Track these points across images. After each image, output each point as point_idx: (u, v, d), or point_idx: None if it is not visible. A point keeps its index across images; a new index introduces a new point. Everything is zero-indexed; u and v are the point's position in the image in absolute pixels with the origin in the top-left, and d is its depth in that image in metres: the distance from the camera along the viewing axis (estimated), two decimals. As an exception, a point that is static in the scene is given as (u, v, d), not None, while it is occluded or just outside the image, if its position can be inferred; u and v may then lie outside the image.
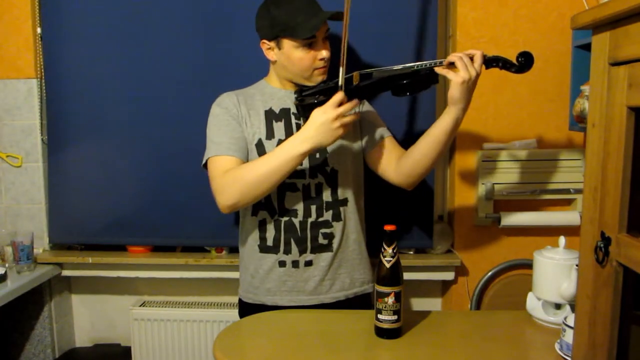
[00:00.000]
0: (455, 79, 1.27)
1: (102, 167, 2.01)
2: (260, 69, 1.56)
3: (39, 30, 2.03)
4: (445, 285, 2.11)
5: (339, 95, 1.32)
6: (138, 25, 1.94)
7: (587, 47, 1.65)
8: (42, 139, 2.08)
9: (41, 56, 2.04)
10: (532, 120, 1.94)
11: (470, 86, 1.28)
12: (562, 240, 1.39)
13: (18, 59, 2.04)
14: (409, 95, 1.39)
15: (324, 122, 1.30)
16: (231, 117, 1.46)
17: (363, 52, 1.83)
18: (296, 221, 1.48)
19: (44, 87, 2.05)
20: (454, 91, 1.28)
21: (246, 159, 1.45)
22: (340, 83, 1.34)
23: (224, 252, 2.06)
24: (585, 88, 1.63)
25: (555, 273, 1.34)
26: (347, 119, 1.31)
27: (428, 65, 1.34)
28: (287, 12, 1.37)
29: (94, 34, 1.96)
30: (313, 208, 1.48)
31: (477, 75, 1.28)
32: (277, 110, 1.50)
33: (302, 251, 1.49)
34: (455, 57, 1.28)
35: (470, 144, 1.95)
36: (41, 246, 2.12)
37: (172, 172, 1.97)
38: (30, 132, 2.08)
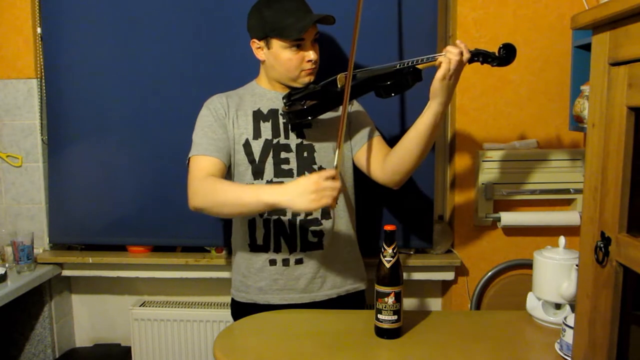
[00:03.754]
0: (437, 74, 1.26)
1: (102, 167, 2.01)
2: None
3: (39, 30, 2.03)
4: (445, 285, 2.11)
5: (331, 171, 1.25)
6: (138, 25, 1.94)
7: (587, 47, 1.65)
8: (42, 139, 2.08)
9: (41, 56, 2.04)
10: (532, 120, 1.94)
11: (451, 82, 1.27)
12: (562, 240, 1.39)
13: (18, 59, 2.04)
14: (393, 96, 1.38)
15: (304, 185, 1.23)
16: (215, 119, 1.47)
17: (362, 52, 1.82)
18: (285, 220, 1.48)
19: (44, 87, 2.05)
20: (435, 85, 1.28)
21: (227, 160, 1.46)
22: (335, 163, 1.29)
23: (224, 252, 2.06)
24: (585, 88, 1.63)
25: (555, 273, 1.34)
26: (328, 194, 1.22)
27: (411, 64, 1.34)
28: (277, 13, 1.39)
29: (94, 34, 1.96)
30: None
31: (458, 64, 1.25)
32: (265, 111, 1.50)
33: (292, 249, 1.49)
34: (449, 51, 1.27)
35: (470, 144, 1.96)
36: (41, 246, 2.12)
37: (172, 172, 1.96)
38: (30, 132, 2.08)
